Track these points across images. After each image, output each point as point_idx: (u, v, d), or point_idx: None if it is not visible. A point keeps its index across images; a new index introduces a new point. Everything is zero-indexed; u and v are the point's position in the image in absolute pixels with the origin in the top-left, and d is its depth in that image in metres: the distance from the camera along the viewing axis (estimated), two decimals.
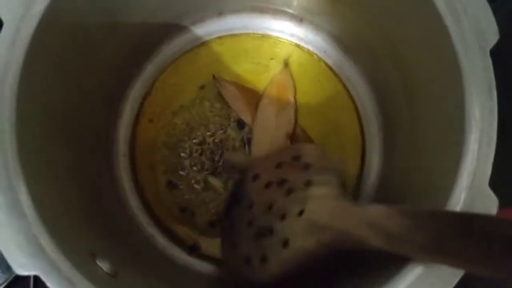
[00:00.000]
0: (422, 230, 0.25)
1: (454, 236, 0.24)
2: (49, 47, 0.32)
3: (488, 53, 0.29)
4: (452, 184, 0.28)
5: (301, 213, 0.32)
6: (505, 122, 0.47)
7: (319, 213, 0.31)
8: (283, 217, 0.34)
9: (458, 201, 0.28)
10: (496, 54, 0.30)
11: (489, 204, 0.28)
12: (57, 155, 0.34)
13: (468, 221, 0.25)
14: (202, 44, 0.48)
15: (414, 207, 0.28)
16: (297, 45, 0.49)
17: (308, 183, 0.34)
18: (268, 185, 0.37)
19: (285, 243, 0.33)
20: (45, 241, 0.27)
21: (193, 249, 0.44)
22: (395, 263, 0.28)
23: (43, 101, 0.32)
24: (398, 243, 0.26)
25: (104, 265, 0.31)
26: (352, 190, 0.45)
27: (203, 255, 0.44)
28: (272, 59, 0.48)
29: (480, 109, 0.28)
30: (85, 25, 0.35)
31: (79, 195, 0.36)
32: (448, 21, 0.29)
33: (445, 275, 0.26)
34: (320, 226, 0.31)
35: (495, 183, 0.28)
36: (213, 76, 0.47)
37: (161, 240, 0.44)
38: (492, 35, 0.29)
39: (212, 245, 0.44)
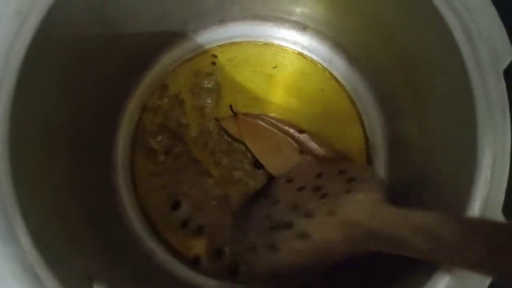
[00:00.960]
0: (478, 241, 0.24)
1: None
2: (45, 61, 0.31)
3: (502, 74, 0.27)
4: (463, 212, 0.27)
5: (332, 213, 0.31)
6: None
7: (355, 212, 0.30)
8: (308, 215, 0.32)
9: None
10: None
11: None
12: (55, 174, 0.33)
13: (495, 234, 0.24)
14: (203, 52, 0.47)
15: (468, 216, 0.27)
16: (301, 54, 0.47)
17: (348, 191, 0.32)
18: (301, 189, 0.36)
19: (303, 236, 0.31)
20: (41, 269, 0.26)
21: (195, 263, 0.43)
22: (421, 272, 0.27)
23: (41, 118, 0.31)
24: (448, 250, 0.24)
25: None
26: None
27: (205, 270, 0.43)
28: (274, 67, 0.47)
29: (493, 133, 0.27)
30: (83, 37, 0.34)
31: (78, 213, 0.35)
32: (461, 41, 0.28)
33: (474, 283, 0.25)
34: (353, 223, 0.29)
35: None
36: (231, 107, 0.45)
37: (162, 254, 0.43)
38: (506, 56, 0.27)
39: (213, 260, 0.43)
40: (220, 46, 0.47)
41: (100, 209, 0.40)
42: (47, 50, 0.30)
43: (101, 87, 0.40)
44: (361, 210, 0.29)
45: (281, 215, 0.34)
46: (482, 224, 0.25)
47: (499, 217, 0.27)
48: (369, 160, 0.46)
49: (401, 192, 0.40)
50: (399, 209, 0.28)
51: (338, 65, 0.47)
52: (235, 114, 0.45)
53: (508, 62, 0.28)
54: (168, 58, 0.46)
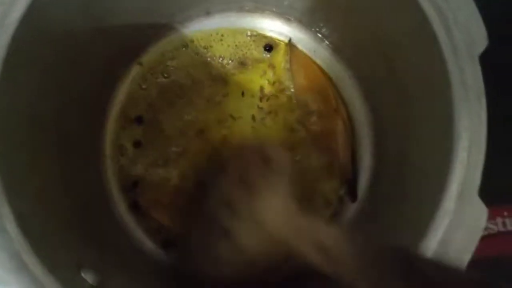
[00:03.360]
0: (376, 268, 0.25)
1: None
2: (30, 54, 0.31)
3: (477, 60, 0.28)
4: (441, 193, 0.28)
5: (255, 219, 0.32)
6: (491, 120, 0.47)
7: (272, 221, 0.31)
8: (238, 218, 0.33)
9: (447, 211, 0.27)
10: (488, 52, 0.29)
11: (479, 214, 0.27)
12: (42, 165, 0.33)
13: (408, 267, 0.24)
14: (189, 43, 0.47)
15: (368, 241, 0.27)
16: (286, 44, 0.48)
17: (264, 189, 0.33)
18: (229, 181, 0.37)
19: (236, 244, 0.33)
20: (28, 256, 0.27)
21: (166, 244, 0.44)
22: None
23: (27, 111, 0.31)
24: (349, 272, 0.25)
25: (89, 277, 0.30)
26: (346, 190, 0.45)
27: None
28: (260, 57, 0.47)
29: (469, 116, 0.28)
30: (69, 30, 0.34)
31: (67, 204, 0.35)
32: (438, 29, 0.28)
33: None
34: (270, 232, 0.31)
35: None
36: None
37: (150, 245, 0.44)
38: (482, 42, 0.28)
39: None
40: (207, 36, 0.47)
41: (89, 199, 0.40)
42: (31, 42, 0.31)
43: (89, 80, 0.40)
44: (277, 220, 0.31)
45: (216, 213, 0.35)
46: (373, 251, 0.26)
47: (475, 200, 0.27)
48: (355, 150, 0.46)
49: (385, 180, 0.41)
50: (308, 222, 0.29)
51: (322, 54, 0.47)
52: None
53: (483, 48, 0.28)
54: (156, 50, 0.47)
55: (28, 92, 0.32)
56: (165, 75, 0.46)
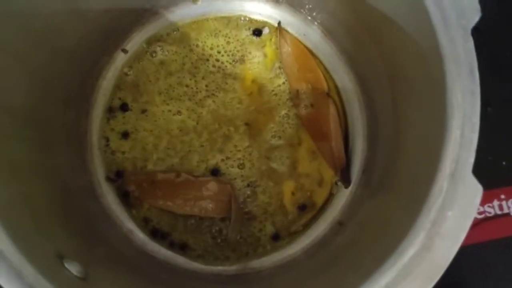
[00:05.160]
0: None
1: None
2: (2, 42, 0.30)
3: (470, 33, 0.27)
4: (434, 172, 0.27)
5: None
6: (488, 102, 0.46)
7: None
8: None
9: (440, 190, 0.26)
10: (483, 31, 0.28)
11: (473, 192, 0.26)
12: (19, 154, 0.32)
13: None
14: (175, 29, 0.46)
15: None
16: (275, 28, 0.47)
17: None
18: None
19: None
20: (5, 244, 0.26)
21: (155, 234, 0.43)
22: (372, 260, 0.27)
23: (1, 100, 0.30)
24: None
25: (73, 268, 0.29)
26: (339, 175, 0.44)
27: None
28: (250, 42, 0.46)
29: (461, 92, 0.27)
30: (43, 14, 0.33)
31: (47, 193, 0.34)
32: (428, 1, 0.27)
33: (427, 272, 0.25)
34: None
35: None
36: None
37: (140, 236, 0.43)
38: (474, 14, 0.27)
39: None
40: (194, 22, 0.46)
41: (75, 189, 0.39)
42: (5, 28, 0.30)
43: (69, 68, 0.39)
44: None
45: None
46: None
47: (469, 178, 0.26)
48: (348, 134, 0.45)
49: (378, 164, 0.40)
50: None
51: (312, 37, 0.46)
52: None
53: (475, 21, 0.27)
54: (141, 37, 0.45)
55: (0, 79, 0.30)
56: (151, 62, 0.45)
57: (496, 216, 0.49)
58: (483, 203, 0.49)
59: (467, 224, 0.26)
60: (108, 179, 0.43)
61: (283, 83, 0.46)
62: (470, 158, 0.26)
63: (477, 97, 0.27)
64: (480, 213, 0.49)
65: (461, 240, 0.26)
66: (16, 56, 0.31)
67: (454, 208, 0.26)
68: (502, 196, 0.49)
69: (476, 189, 0.26)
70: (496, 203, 0.49)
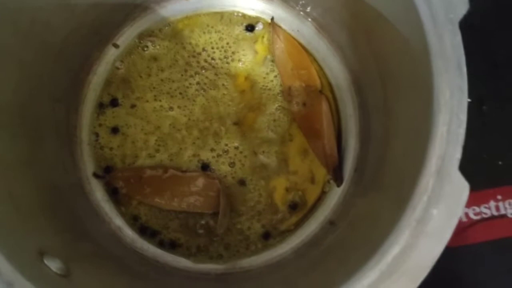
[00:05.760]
0: None
1: None
2: None
3: (457, 26, 0.26)
4: (420, 169, 0.26)
5: None
6: (483, 100, 0.46)
7: None
8: None
9: (425, 188, 0.26)
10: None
11: (459, 190, 0.26)
12: (5, 150, 0.32)
13: None
14: (167, 24, 0.45)
15: None
16: (268, 24, 0.46)
17: None
18: None
19: None
20: None
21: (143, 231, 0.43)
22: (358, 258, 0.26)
23: None
24: None
25: (53, 265, 0.29)
26: (331, 173, 0.44)
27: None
28: (243, 38, 0.46)
29: (449, 87, 0.26)
30: (30, 8, 0.33)
31: (34, 189, 0.34)
32: None
33: (411, 271, 0.25)
34: None
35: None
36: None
37: (129, 233, 0.42)
38: (462, 6, 0.26)
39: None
40: (186, 17, 0.46)
41: (62, 188, 0.39)
42: None
43: (58, 63, 0.39)
44: None
45: None
46: None
47: (455, 175, 0.26)
48: (342, 131, 0.45)
49: (369, 162, 0.40)
50: None
51: (306, 34, 0.45)
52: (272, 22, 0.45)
53: (463, 13, 0.26)
54: (132, 32, 0.45)
55: None
56: (143, 57, 0.45)
57: (492, 217, 0.48)
58: (479, 203, 0.48)
59: (453, 222, 0.25)
60: (95, 175, 0.43)
61: (275, 77, 0.45)
62: (456, 154, 0.26)
63: (465, 93, 0.26)
64: (476, 214, 0.48)
65: (447, 239, 0.25)
66: (4, 51, 0.31)
67: (440, 206, 0.25)
68: (499, 197, 0.48)
69: (463, 187, 0.25)
70: (492, 204, 0.49)
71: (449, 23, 0.26)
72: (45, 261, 0.29)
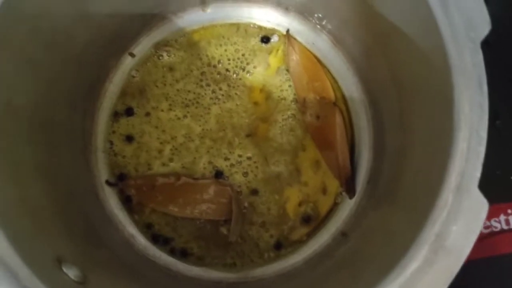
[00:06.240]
0: None
1: None
2: (10, 43, 0.30)
3: (479, 45, 0.27)
4: (439, 185, 0.26)
5: None
6: (497, 114, 0.46)
7: None
8: None
9: (445, 203, 0.26)
10: (492, 45, 0.28)
11: (478, 207, 0.26)
12: (24, 157, 0.32)
13: None
14: (183, 35, 0.46)
15: None
16: (284, 35, 0.46)
17: None
18: None
19: None
20: (2, 246, 0.25)
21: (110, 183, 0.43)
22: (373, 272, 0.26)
23: (6, 101, 0.30)
24: None
25: (71, 272, 0.29)
26: (344, 185, 0.44)
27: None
28: (258, 49, 0.46)
29: (469, 104, 0.26)
30: (52, 18, 0.33)
31: (50, 196, 0.34)
32: (437, 12, 0.27)
33: (430, 286, 0.25)
34: None
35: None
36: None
37: (142, 240, 0.43)
38: (484, 26, 0.26)
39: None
40: (202, 28, 0.46)
41: (77, 192, 0.39)
42: (11, 29, 0.29)
43: (76, 71, 0.39)
44: None
45: None
46: None
47: (475, 192, 0.26)
48: (354, 144, 0.45)
49: (383, 175, 0.40)
50: None
51: (321, 46, 0.46)
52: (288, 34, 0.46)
53: (485, 33, 0.27)
54: (149, 41, 0.45)
55: (7, 82, 0.30)
56: (158, 67, 0.45)
57: (502, 231, 0.48)
58: (489, 217, 0.48)
59: (472, 239, 0.25)
60: (108, 183, 0.43)
61: (289, 86, 0.45)
62: (476, 172, 0.26)
63: (485, 110, 0.26)
64: (486, 228, 0.48)
65: (466, 255, 0.25)
66: (24, 58, 0.31)
67: (459, 223, 0.25)
68: (509, 211, 0.49)
69: (481, 204, 0.26)
70: (502, 217, 0.49)
71: (470, 42, 0.27)
72: (63, 269, 0.29)
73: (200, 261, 0.43)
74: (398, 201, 0.34)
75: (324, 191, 0.44)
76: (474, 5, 0.27)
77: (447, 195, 0.26)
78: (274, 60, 0.46)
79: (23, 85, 0.32)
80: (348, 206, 0.44)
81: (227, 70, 0.45)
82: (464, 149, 0.26)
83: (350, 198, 0.43)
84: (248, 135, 0.44)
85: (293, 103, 0.45)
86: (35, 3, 0.31)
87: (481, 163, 0.26)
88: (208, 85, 0.45)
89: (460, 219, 0.26)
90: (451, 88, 0.27)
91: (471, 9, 0.27)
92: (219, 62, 0.46)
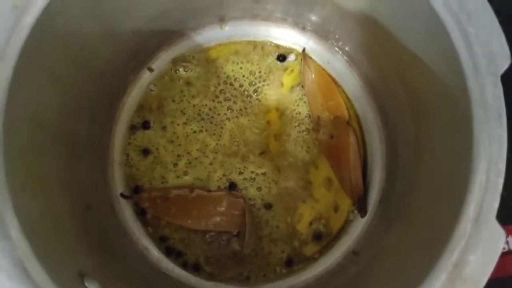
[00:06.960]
0: None
1: None
2: (41, 59, 0.31)
3: (499, 79, 0.27)
4: (457, 216, 0.27)
5: None
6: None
7: None
8: None
9: (463, 233, 0.26)
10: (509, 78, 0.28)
11: (496, 237, 0.26)
12: (48, 169, 0.33)
13: None
14: (201, 51, 0.47)
15: None
16: (300, 54, 0.47)
17: None
18: None
19: None
20: (31, 264, 0.26)
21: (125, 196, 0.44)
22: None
23: (34, 114, 0.31)
24: None
25: (92, 286, 0.30)
26: (356, 204, 0.44)
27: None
28: (274, 67, 0.47)
29: (489, 138, 0.27)
30: (81, 35, 0.34)
31: (71, 209, 0.35)
32: (458, 45, 0.28)
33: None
34: None
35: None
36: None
37: (155, 253, 0.43)
38: (504, 60, 0.27)
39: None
40: (220, 45, 0.47)
41: (94, 206, 0.39)
42: (43, 46, 0.30)
43: (97, 85, 0.40)
44: None
45: None
46: None
47: (492, 223, 0.26)
48: (367, 163, 0.46)
49: (397, 197, 0.40)
50: None
51: (336, 66, 0.46)
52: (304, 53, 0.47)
53: (505, 67, 0.27)
54: (167, 57, 0.46)
55: (36, 96, 0.31)
56: (176, 82, 0.46)
57: (509, 252, 0.49)
58: None
59: (489, 269, 0.26)
60: (122, 196, 0.43)
61: (304, 102, 0.46)
62: (495, 203, 0.27)
63: (504, 143, 0.27)
64: None
65: (483, 286, 0.26)
66: (52, 74, 0.32)
67: (477, 253, 0.26)
68: None
69: (499, 235, 0.26)
70: (510, 239, 0.49)
71: (491, 75, 0.27)
72: (85, 283, 0.30)
73: (211, 276, 0.43)
74: (412, 224, 0.35)
75: (336, 208, 0.45)
76: (495, 39, 0.28)
77: (466, 225, 0.26)
78: (288, 79, 0.47)
79: (49, 100, 0.33)
80: (359, 225, 0.44)
81: (242, 86, 0.46)
82: (483, 180, 0.27)
83: (362, 217, 0.44)
84: (261, 153, 0.45)
85: (306, 118, 0.46)
86: (68, 22, 0.31)
87: (499, 194, 0.27)
88: (224, 100, 0.46)
89: (478, 249, 0.26)
90: (470, 119, 0.27)
91: (492, 42, 0.28)
92: (235, 79, 0.46)
